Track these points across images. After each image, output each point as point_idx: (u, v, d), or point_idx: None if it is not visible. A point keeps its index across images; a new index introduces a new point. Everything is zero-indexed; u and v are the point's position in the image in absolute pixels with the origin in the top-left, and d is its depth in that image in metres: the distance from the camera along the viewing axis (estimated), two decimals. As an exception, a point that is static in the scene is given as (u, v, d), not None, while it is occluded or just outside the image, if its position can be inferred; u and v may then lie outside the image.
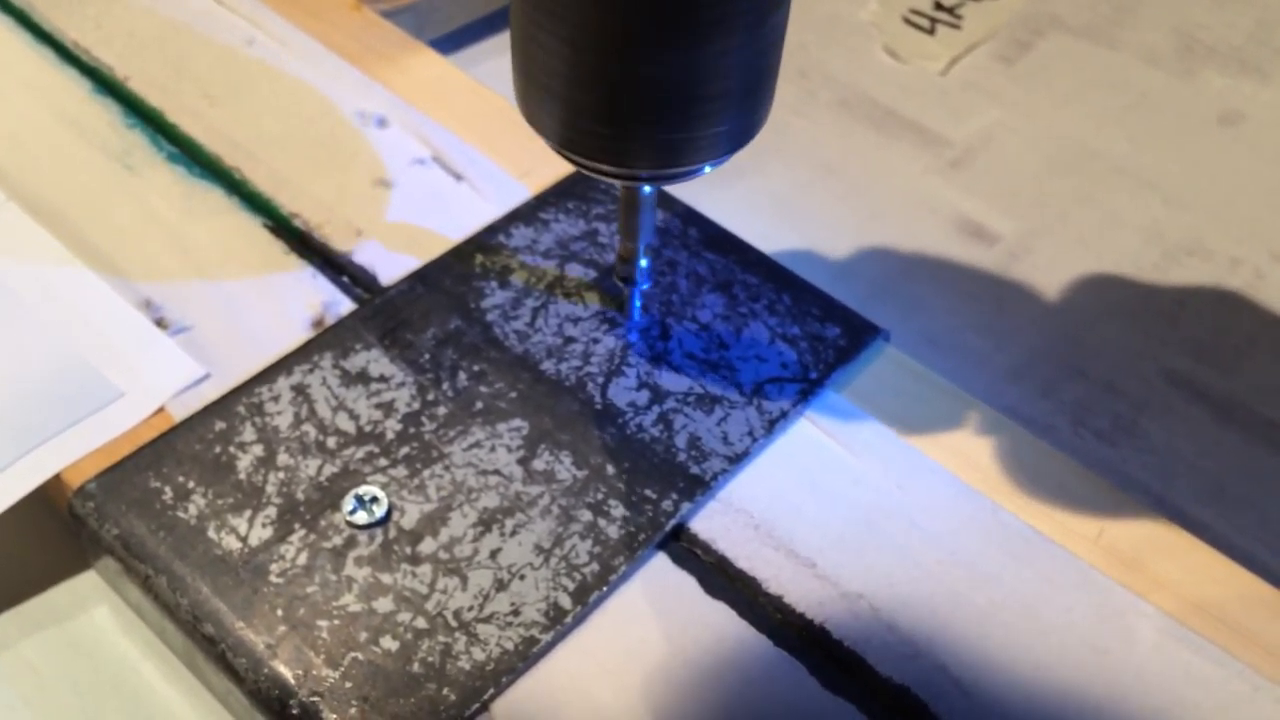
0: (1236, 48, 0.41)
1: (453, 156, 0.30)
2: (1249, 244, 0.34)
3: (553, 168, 0.30)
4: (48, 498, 0.24)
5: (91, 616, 0.24)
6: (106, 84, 0.31)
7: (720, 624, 0.22)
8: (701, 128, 0.21)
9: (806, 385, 0.26)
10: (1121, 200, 0.35)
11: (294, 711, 0.20)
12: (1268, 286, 0.33)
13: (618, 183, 0.23)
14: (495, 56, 0.38)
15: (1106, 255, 0.33)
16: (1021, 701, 0.21)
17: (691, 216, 0.29)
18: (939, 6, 0.41)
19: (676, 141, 0.21)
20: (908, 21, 0.40)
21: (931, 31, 0.40)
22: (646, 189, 0.24)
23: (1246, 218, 0.35)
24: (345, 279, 0.28)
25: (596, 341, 0.26)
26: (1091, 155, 0.36)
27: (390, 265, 0.28)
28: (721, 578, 0.23)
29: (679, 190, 0.30)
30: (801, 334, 0.27)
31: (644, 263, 0.26)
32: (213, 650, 0.21)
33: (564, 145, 0.22)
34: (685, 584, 0.23)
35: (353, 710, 0.20)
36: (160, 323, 0.26)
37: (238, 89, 0.32)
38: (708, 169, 0.22)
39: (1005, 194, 0.35)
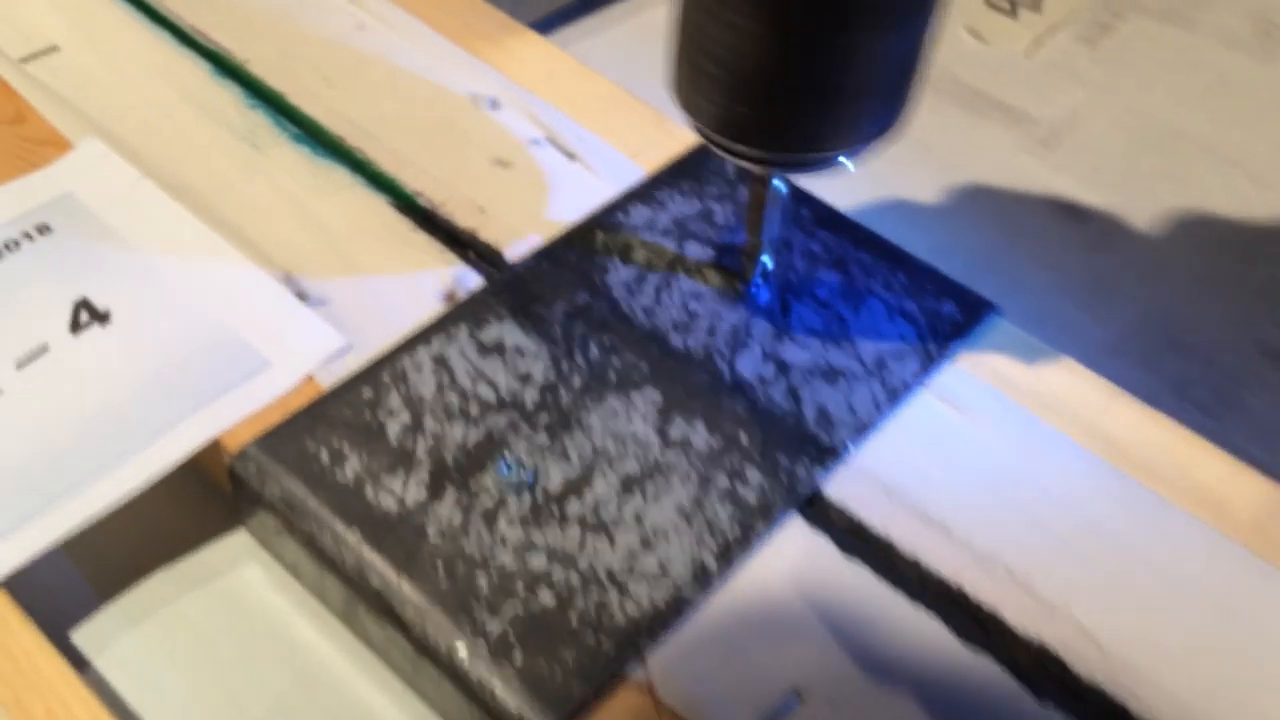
0: (1313, 30, 0.41)
1: (565, 137, 0.31)
2: (1336, 222, 0.35)
3: (662, 149, 0.31)
4: (200, 462, 0.25)
5: (243, 574, 0.25)
6: (227, 67, 0.32)
7: (859, 584, 0.23)
8: (849, 116, 0.22)
9: (926, 357, 0.27)
10: (1208, 179, 0.36)
11: (460, 656, 0.21)
12: (1357, 264, 0.34)
13: (755, 167, 0.24)
14: (590, 37, 0.39)
15: (1196, 232, 0.34)
16: (1159, 659, 0.22)
17: (802, 196, 0.30)
18: (1019, -10, 0.42)
19: (826, 127, 0.22)
20: (989, 3, 0.41)
21: (1013, 13, 0.41)
22: (779, 184, 0.25)
23: (1332, 197, 0.36)
24: (472, 254, 0.29)
25: (720, 317, 0.27)
26: (1175, 135, 0.37)
27: (514, 242, 0.29)
28: (857, 540, 0.24)
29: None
30: (918, 309, 0.28)
31: (768, 261, 0.26)
32: (379, 602, 0.22)
33: (718, 128, 0.22)
34: (823, 546, 0.24)
35: (517, 656, 0.21)
36: (300, 295, 0.27)
37: (352, 72, 0.32)
38: (846, 161, 0.23)
39: (1094, 172, 0.36)
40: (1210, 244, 0.34)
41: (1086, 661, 0.22)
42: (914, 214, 0.34)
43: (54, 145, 0.30)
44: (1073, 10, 0.41)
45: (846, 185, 0.34)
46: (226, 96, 0.31)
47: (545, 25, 0.38)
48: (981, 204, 0.34)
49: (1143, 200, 0.35)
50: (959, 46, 0.39)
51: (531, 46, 0.34)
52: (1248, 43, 0.41)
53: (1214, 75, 0.39)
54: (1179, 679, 0.22)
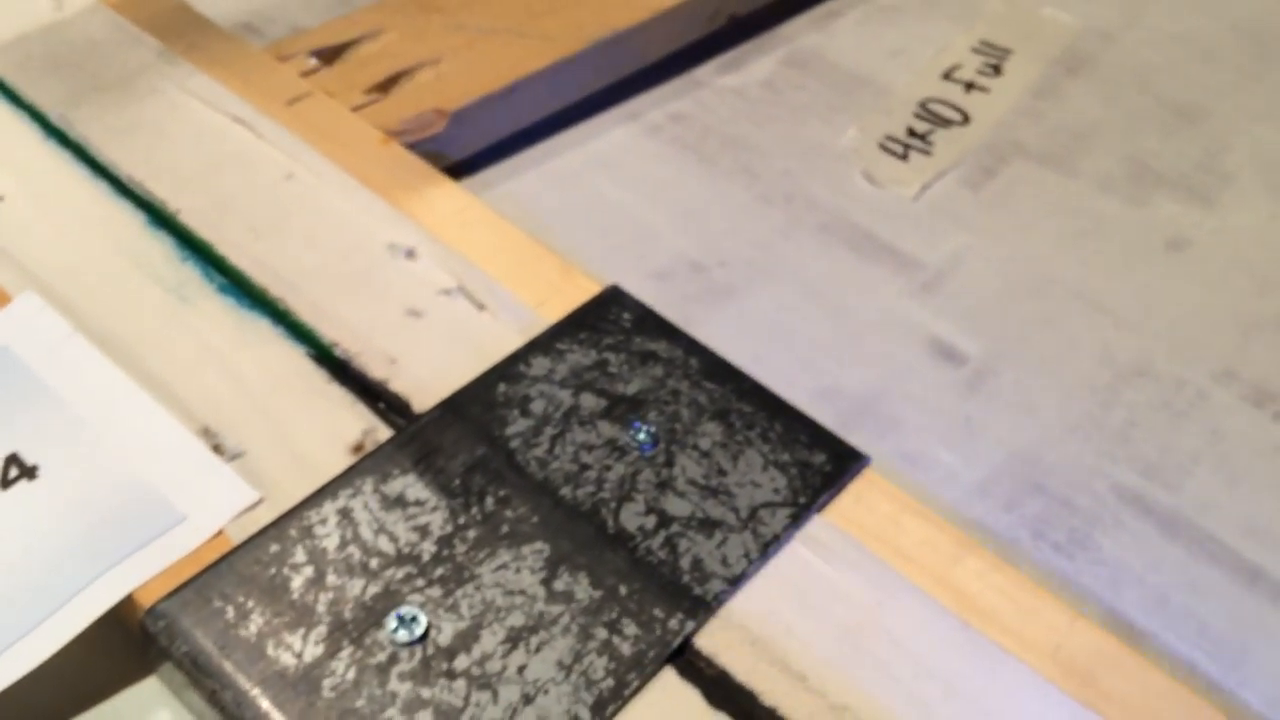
0: (1185, 175, 0.45)
1: (475, 286, 0.34)
2: (1193, 365, 0.38)
3: (566, 298, 0.33)
4: (118, 614, 0.27)
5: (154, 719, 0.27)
6: (160, 217, 0.34)
7: (722, 733, 0.25)
8: None
9: (796, 509, 0.29)
10: (1076, 323, 0.38)
11: (348, 815, 0.23)
12: (1210, 406, 0.37)
13: None
14: (508, 180, 0.41)
15: (1063, 376, 0.37)
16: (985, 804, 0.24)
17: (693, 348, 0.32)
18: (912, 134, 0.45)
19: None
20: (883, 148, 0.44)
21: (905, 158, 0.44)
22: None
23: (1190, 340, 0.39)
24: (382, 405, 0.31)
25: (609, 469, 0.29)
26: (1050, 280, 0.40)
27: (422, 392, 0.31)
28: (723, 690, 0.26)
29: (680, 319, 0.33)
30: (791, 460, 0.30)
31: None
32: (274, 759, 0.24)
33: None
34: (691, 697, 0.26)
35: (400, 814, 0.23)
36: (217, 449, 0.29)
37: (279, 222, 0.35)
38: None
39: (972, 316, 0.38)
40: (1075, 388, 0.36)
41: (925, 807, 0.24)
42: (802, 357, 0.36)
43: (-10, 297, 0.32)
44: (960, 154, 0.44)
45: (740, 327, 0.37)
46: (159, 249, 0.34)
47: (465, 167, 0.40)
48: (866, 346, 0.37)
49: (1015, 344, 0.38)
50: (853, 190, 0.42)
51: (449, 197, 0.36)
52: (1122, 187, 0.44)
53: (1088, 221, 0.42)
54: (1006, 825, 0.24)
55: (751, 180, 0.43)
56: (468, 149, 0.40)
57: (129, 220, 0.34)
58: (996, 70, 0.49)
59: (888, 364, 0.36)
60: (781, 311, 0.38)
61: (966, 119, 0.46)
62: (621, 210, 0.41)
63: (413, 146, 0.38)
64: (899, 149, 0.44)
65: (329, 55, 0.41)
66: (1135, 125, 0.47)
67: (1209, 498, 0.34)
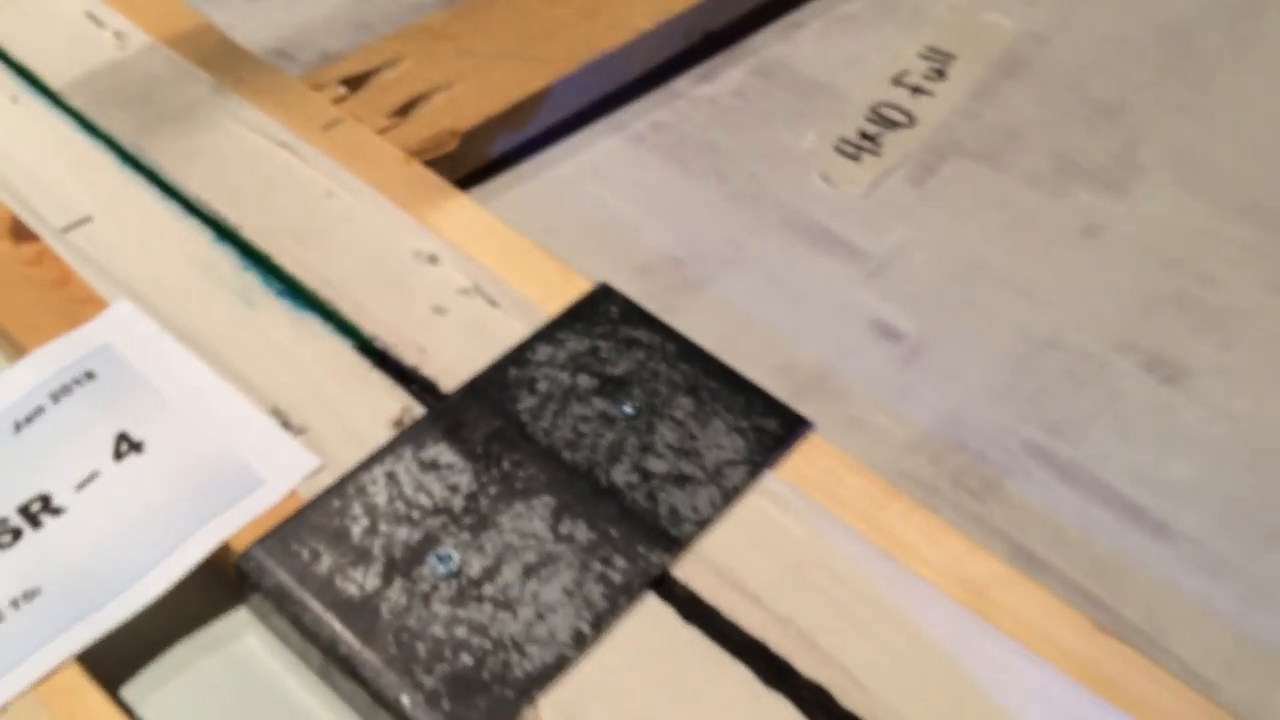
0: (1103, 167, 0.51)
1: (488, 287, 0.40)
2: (1098, 338, 0.44)
3: (563, 295, 0.40)
4: (215, 559, 0.34)
5: (245, 642, 0.34)
6: (224, 232, 0.41)
7: (697, 647, 0.32)
8: None
9: (753, 466, 0.36)
10: (999, 304, 0.45)
11: (404, 702, 0.30)
12: (1109, 373, 0.43)
13: None
14: (512, 188, 0.48)
15: (986, 349, 0.44)
16: (898, 693, 0.31)
17: (669, 335, 0.39)
18: (864, 136, 0.51)
19: None
20: (838, 150, 0.50)
21: (857, 159, 0.50)
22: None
23: (1096, 316, 0.45)
24: (415, 387, 0.37)
25: (601, 436, 0.36)
26: (978, 266, 0.46)
27: (448, 376, 0.38)
28: (693, 609, 0.33)
29: (660, 308, 0.40)
30: (749, 426, 0.37)
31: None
32: (346, 666, 0.31)
33: None
34: (668, 614, 0.33)
35: (445, 704, 0.30)
36: (285, 425, 0.36)
37: (323, 234, 0.41)
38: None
39: (911, 299, 0.45)
40: (995, 360, 0.43)
41: (851, 696, 0.31)
42: (763, 338, 0.43)
43: (93, 304, 0.38)
44: (906, 154, 0.51)
45: (711, 315, 0.44)
46: (225, 259, 0.40)
47: (472, 179, 0.47)
48: (818, 328, 0.43)
49: (946, 323, 0.44)
50: (811, 189, 0.49)
51: (463, 209, 0.43)
52: (1046, 180, 0.50)
53: (1014, 212, 0.49)
54: (920, 705, 0.31)
55: (722, 182, 0.49)
56: (469, 166, 0.47)
57: (198, 235, 0.41)
58: (941, 74, 0.55)
59: (836, 343, 0.43)
60: (746, 298, 0.44)
61: (913, 121, 0.52)
62: (610, 212, 0.47)
63: (430, 163, 0.44)
64: (852, 150, 0.50)
65: (355, 83, 0.47)
66: (1062, 122, 0.53)
67: (1104, 450, 0.41)
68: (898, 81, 0.54)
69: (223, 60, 0.47)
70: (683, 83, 0.54)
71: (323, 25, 0.54)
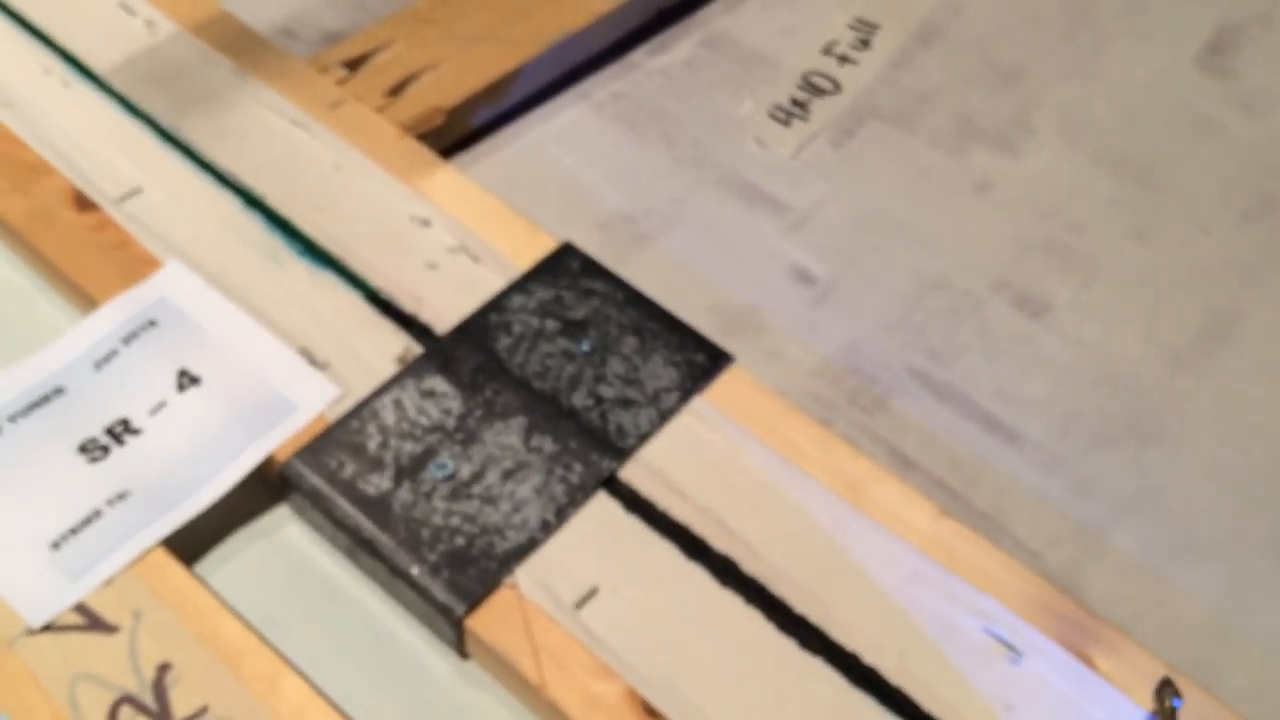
0: (998, 129, 0.60)
1: (472, 246, 0.49)
2: (977, 279, 0.53)
3: (533, 251, 0.49)
4: (262, 468, 0.43)
5: (288, 532, 0.43)
6: (251, 200, 0.49)
7: (636, 531, 0.42)
8: None
9: (684, 392, 0.45)
10: (898, 251, 0.54)
11: (413, 573, 0.40)
12: (984, 309, 0.52)
13: None
14: (490, 155, 0.56)
15: (883, 290, 0.53)
16: (793, 561, 0.41)
17: (619, 285, 0.48)
18: (794, 103, 0.59)
19: None
20: (771, 116, 0.59)
21: (787, 124, 0.58)
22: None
23: (979, 260, 0.54)
24: (414, 330, 0.46)
25: (564, 369, 0.45)
26: (882, 218, 0.55)
27: (440, 321, 0.47)
28: (634, 502, 0.43)
29: (615, 260, 0.49)
30: (682, 360, 0.46)
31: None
32: (368, 547, 0.41)
33: None
34: (615, 507, 0.42)
35: (445, 574, 0.40)
36: (312, 361, 0.45)
37: (334, 202, 0.50)
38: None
39: (824, 247, 0.54)
40: (890, 299, 0.52)
41: (751, 564, 0.41)
42: (699, 283, 0.52)
43: (149, 264, 0.47)
44: (829, 118, 0.59)
45: (656, 265, 0.52)
46: (253, 224, 0.49)
47: (453, 148, 0.55)
48: (745, 273, 0.52)
49: (852, 268, 0.53)
50: (744, 151, 0.57)
51: (449, 177, 0.51)
52: (947, 141, 0.59)
53: (917, 170, 0.57)
54: (804, 571, 0.41)
55: (670, 146, 0.57)
56: (451, 137, 0.55)
57: (229, 203, 0.50)
58: (866, 44, 0.63)
59: (760, 286, 0.52)
60: (686, 249, 0.53)
61: (838, 88, 0.61)
62: (574, 175, 0.56)
63: (420, 137, 0.53)
64: (783, 116, 0.59)
65: (354, 64, 0.55)
66: (966, 87, 0.61)
67: (972, 373, 0.50)
68: (827, 51, 0.62)
69: (240, 45, 0.55)
70: (639, 55, 0.62)
71: (323, 5, 0.62)
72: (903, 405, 0.49)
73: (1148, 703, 0.38)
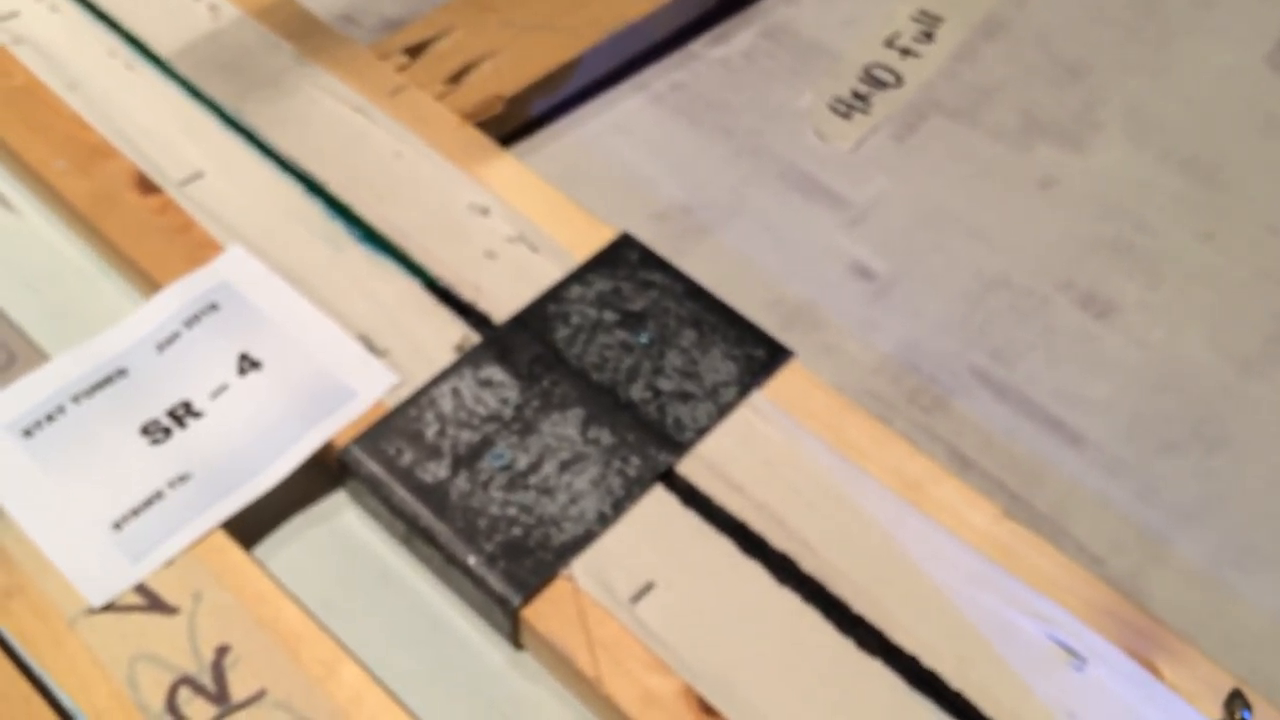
0: (1063, 124, 0.59)
1: (531, 235, 0.49)
2: (1041, 278, 0.52)
3: (591, 242, 0.49)
4: (321, 453, 0.43)
5: (345, 518, 0.44)
6: (313, 187, 0.50)
7: (693, 526, 0.42)
8: None
9: (742, 386, 0.45)
10: (959, 248, 0.53)
11: (469, 562, 0.40)
12: (1048, 309, 0.52)
13: None
14: (549, 144, 0.56)
15: (943, 288, 0.52)
16: (853, 561, 0.41)
17: (678, 277, 0.48)
18: (855, 95, 0.59)
19: None
20: (831, 109, 0.58)
21: (848, 117, 0.58)
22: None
23: (1042, 259, 0.53)
24: (473, 319, 0.46)
25: (621, 360, 0.45)
26: (943, 214, 0.54)
27: (499, 310, 0.47)
28: (691, 497, 0.42)
29: (672, 252, 0.48)
30: (741, 354, 0.46)
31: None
32: (425, 535, 0.41)
33: None
34: (672, 501, 0.42)
35: (501, 564, 0.40)
36: (371, 348, 0.45)
37: (394, 189, 0.50)
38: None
39: (884, 243, 0.53)
40: (951, 297, 0.51)
41: (809, 562, 0.41)
42: (757, 276, 0.51)
43: (210, 248, 0.47)
44: (891, 112, 0.58)
45: (714, 257, 0.52)
46: (315, 210, 0.49)
47: (511, 136, 0.55)
48: (803, 269, 0.52)
49: (912, 265, 0.52)
50: (804, 143, 0.56)
51: (508, 166, 0.51)
52: (1011, 136, 0.58)
53: (980, 165, 0.56)
54: (863, 570, 0.40)
55: (728, 137, 0.57)
56: (509, 125, 0.55)
57: (291, 189, 0.50)
58: (929, 37, 0.62)
59: (818, 282, 0.52)
60: (745, 242, 0.53)
61: (900, 81, 0.60)
62: (632, 166, 0.55)
63: (479, 125, 0.53)
64: (843, 109, 0.58)
65: (414, 51, 0.55)
66: (1030, 81, 0.60)
67: (1034, 374, 0.49)
68: (889, 44, 0.61)
69: (302, 31, 0.55)
70: (699, 45, 0.61)
71: (383, -9, 0.62)
72: (963, 405, 0.48)
73: (1214, 713, 0.38)
